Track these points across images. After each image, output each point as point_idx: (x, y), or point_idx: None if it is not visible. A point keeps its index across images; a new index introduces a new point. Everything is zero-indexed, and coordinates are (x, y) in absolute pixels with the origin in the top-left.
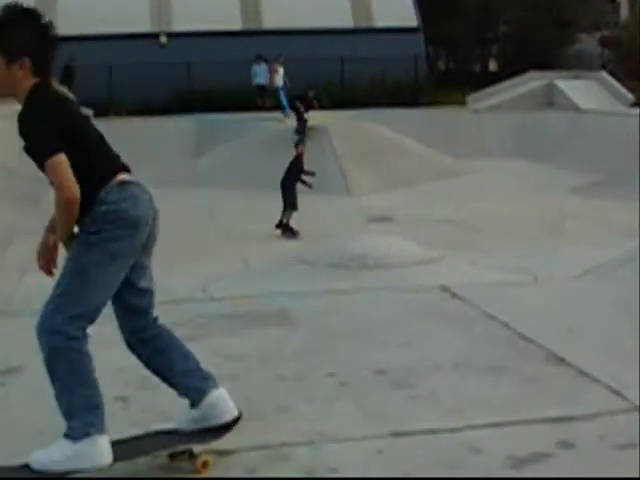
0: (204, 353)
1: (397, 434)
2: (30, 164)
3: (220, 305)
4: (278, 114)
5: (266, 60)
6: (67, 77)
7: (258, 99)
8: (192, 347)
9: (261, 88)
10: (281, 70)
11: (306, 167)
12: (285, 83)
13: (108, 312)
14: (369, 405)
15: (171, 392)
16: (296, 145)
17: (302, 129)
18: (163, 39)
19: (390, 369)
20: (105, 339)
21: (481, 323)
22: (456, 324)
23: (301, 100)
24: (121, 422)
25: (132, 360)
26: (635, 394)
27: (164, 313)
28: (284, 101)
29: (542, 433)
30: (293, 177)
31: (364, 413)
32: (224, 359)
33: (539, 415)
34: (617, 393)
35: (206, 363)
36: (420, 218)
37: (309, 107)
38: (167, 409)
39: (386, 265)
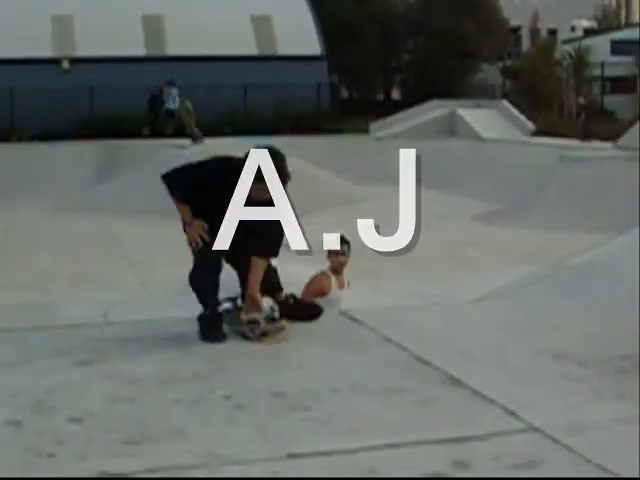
0: (101, 377)
1: (293, 456)
2: None
3: (118, 329)
4: (181, 141)
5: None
6: None
7: (162, 125)
8: (88, 371)
9: (170, 113)
10: None
11: None
12: None
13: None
14: (265, 427)
15: (65, 415)
16: None
17: None
18: (65, 64)
19: (287, 392)
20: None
21: (378, 346)
22: (354, 347)
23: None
24: (13, 447)
25: (27, 383)
26: (530, 414)
27: (62, 337)
28: None
29: (437, 453)
30: None
31: (260, 435)
32: (120, 382)
33: (435, 436)
34: (512, 413)
35: (102, 387)
36: (319, 245)
37: None
38: (60, 434)
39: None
